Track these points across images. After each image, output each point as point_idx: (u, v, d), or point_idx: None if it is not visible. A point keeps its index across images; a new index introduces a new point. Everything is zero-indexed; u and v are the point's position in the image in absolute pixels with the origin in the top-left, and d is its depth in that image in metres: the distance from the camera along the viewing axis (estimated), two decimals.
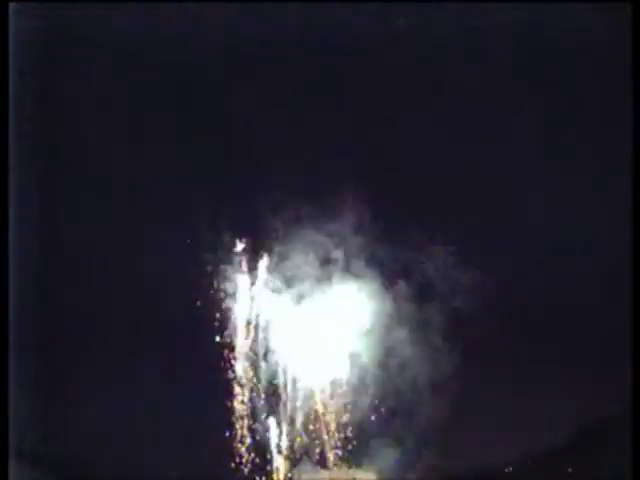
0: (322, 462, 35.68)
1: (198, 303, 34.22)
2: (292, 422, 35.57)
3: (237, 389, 35.22)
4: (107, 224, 33.82)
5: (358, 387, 34.65)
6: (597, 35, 28.64)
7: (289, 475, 35.10)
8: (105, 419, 32.76)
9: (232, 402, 35.23)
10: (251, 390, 35.75)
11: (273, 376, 36.06)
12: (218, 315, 35.38)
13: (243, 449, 34.99)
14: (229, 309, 35.74)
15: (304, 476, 34.46)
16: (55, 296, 31.09)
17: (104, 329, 33.56)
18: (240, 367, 35.74)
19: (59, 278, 31.60)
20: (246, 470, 35.13)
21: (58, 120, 29.99)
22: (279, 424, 35.56)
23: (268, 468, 35.46)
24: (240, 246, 35.51)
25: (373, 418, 34.44)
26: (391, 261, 33.99)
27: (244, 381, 35.35)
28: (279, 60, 34.04)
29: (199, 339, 33.47)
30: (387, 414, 33.66)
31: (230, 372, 35.38)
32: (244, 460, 35.02)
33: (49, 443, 29.88)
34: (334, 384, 35.91)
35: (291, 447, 35.72)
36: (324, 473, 35.09)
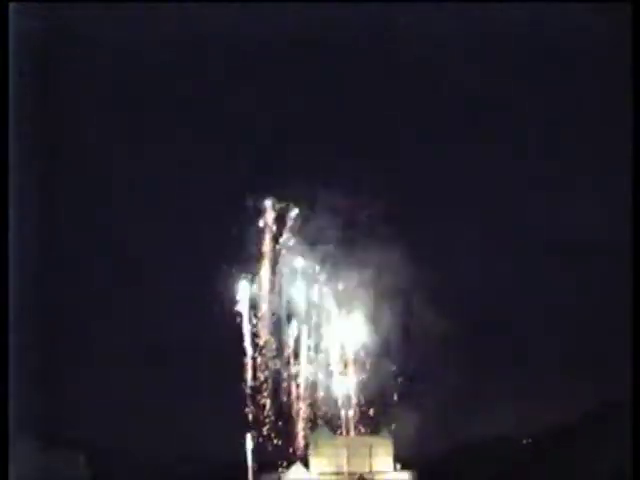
0: (339, 428, 35.74)
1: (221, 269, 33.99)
2: (312, 388, 35.43)
3: (258, 355, 35.06)
4: (111, 215, 33.95)
5: (379, 353, 34.40)
6: (597, 35, 28.59)
7: (307, 441, 35.06)
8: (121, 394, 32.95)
9: (254, 369, 35.06)
10: (273, 356, 35.60)
11: (295, 341, 35.89)
12: (242, 281, 35.26)
13: (263, 415, 34.92)
14: (253, 274, 35.62)
15: (321, 440, 34.41)
16: (56, 282, 31.07)
17: (118, 304, 33.81)
18: (263, 332, 35.58)
19: (59, 273, 31.69)
20: (266, 436, 35.12)
21: (58, 120, 29.98)
22: (299, 390, 35.43)
23: (288, 434, 35.33)
24: (264, 209, 35.28)
25: (392, 385, 34.32)
26: (414, 227, 33.78)
27: (266, 348, 35.15)
28: (279, 60, 34.05)
29: (222, 303, 33.44)
30: (406, 382, 33.58)
31: (252, 337, 35.14)
32: (265, 427, 34.98)
33: (53, 422, 29.83)
34: (355, 349, 35.72)
35: (310, 413, 35.70)
36: (341, 439, 35.03)
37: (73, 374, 32.07)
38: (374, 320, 34.43)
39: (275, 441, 34.69)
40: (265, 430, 34.80)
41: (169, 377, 34.82)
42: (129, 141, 34.13)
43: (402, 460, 34.32)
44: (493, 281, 34.60)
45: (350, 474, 33.23)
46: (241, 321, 34.83)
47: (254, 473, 34.19)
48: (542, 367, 34.91)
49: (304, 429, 35.19)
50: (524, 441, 38.06)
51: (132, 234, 34.30)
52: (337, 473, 33.28)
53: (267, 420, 34.83)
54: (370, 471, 33.42)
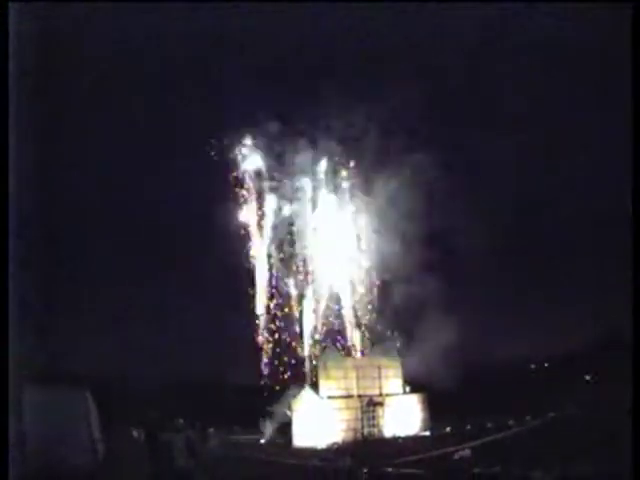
0: (347, 349, 35.25)
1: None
2: (318, 309, 34.95)
3: (265, 277, 34.65)
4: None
5: (389, 274, 33.66)
6: (597, 35, 28.63)
7: (315, 362, 34.65)
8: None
9: (259, 291, 34.72)
10: (277, 277, 35.16)
11: (301, 262, 35.34)
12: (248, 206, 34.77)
13: (270, 336, 34.60)
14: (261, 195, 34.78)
15: (330, 363, 33.80)
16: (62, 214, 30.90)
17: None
18: (272, 255, 35.11)
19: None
20: (274, 358, 34.78)
21: (58, 119, 30.08)
22: (306, 311, 34.84)
23: (295, 356, 34.96)
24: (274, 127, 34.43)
25: (401, 308, 33.63)
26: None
27: (274, 270, 34.86)
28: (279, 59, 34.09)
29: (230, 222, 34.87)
30: (417, 305, 33.62)
31: (259, 260, 34.79)
32: (270, 347, 34.64)
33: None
34: (364, 269, 35.09)
35: (318, 335, 35.25)
36: (349, 360, 34.46)
37: (75, 308, 31.81)
38: (394, 235, 33.61)
39: (284, 365, 34.41)
40: (273, 354, 34.53)
41: (173, 301, 34.66)
42: (129, 138, 34.33)
43: (412, 383, 33.75)
44: (522, 205, 34.16)
45: (360, 397, 32.67)
46: (248, 238, 34.42)
47: (264, 398, 33.92)
48: (563, 292, 34.61)
49: (311, 350, 34.72)
50: (532, 366, 39.36)
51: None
52: (347, 396, 32.63)
53: (276, 345, 34.49)
54: (380, 394, 32.81)
